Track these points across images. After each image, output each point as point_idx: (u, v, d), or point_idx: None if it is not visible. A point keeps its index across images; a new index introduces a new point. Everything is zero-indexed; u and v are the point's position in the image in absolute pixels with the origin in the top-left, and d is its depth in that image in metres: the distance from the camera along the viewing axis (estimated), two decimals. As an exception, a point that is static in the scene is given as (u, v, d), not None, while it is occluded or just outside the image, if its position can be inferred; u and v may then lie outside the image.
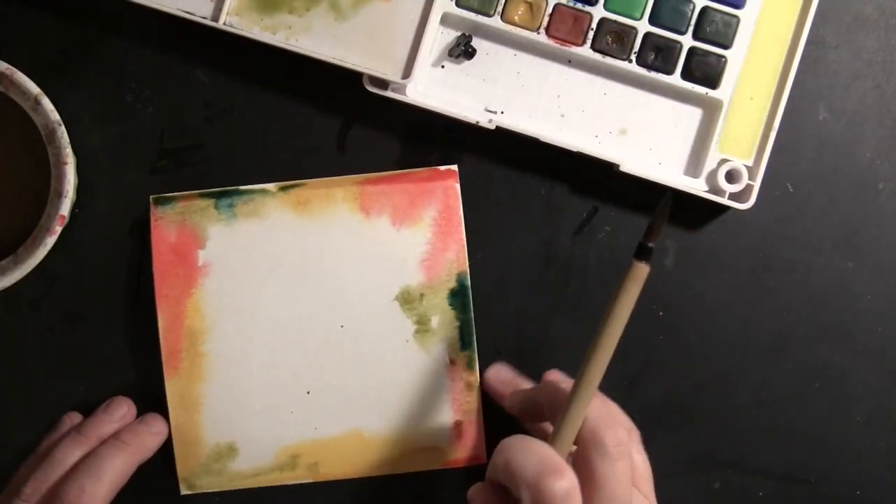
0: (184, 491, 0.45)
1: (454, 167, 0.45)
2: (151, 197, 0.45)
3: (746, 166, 0.44)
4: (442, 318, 0.45)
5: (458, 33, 0.45)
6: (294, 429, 0.45)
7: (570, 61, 0.45)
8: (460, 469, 0.46)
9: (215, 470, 0.45)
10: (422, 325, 0.45)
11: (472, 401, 0.45)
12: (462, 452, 0.45)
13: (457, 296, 0.45)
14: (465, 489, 0.46)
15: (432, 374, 0.45)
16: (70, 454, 0.43)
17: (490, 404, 0.45)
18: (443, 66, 0.45)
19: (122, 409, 0.45)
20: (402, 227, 0.45)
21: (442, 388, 0.45)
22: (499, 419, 0.46)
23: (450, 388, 0.45)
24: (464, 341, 0.45)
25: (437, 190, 0.45)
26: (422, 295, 0.45)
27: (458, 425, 0.45)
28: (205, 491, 0.45)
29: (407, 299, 0.45)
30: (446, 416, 0.45)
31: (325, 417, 0.45)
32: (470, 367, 0.45)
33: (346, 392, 0.45)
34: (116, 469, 0.42)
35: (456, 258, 0.45)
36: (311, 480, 0.45)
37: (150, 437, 0.44)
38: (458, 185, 0.45)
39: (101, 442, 0.43)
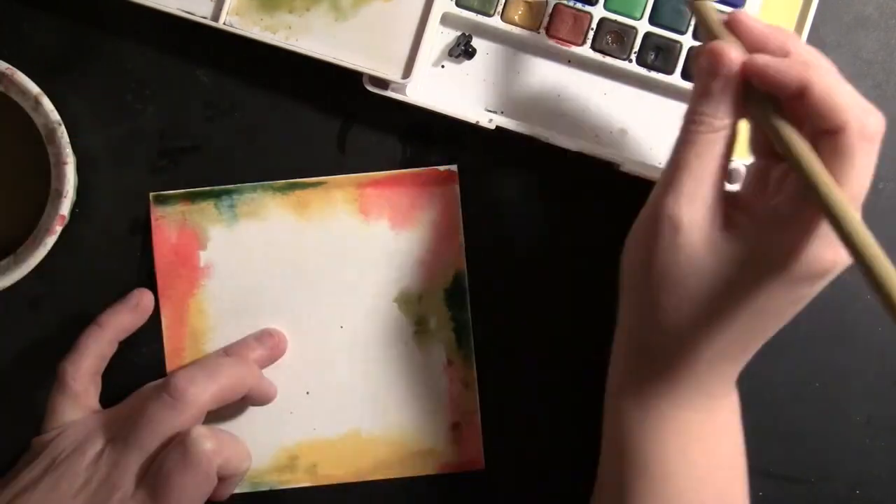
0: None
1: (454, 168, 0.45)
2: (151, 194, 0.45)
3: (746, 166, 0.44)
4: (440, 319, 0.45)
5: (458, 33, 0.45)
6: (293, 429, 0.45)
7: (570, 61, 0.45)
8: (458, 475, 0.45)
9: (214, 471, 0.45)
10: (420, 326, 0.45)
11: (470, 401, 0.45)
12: (460, 454, 0.45)
13: (455, 297, 0.45)
14: (463, 495, 0.46)
15: (431, 375, 0.45)
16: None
17: (488, 406, 0.45)
18: (443, 66, 0.45)
19: (273, 339, 0.45)
20: (401, 230, 0.45)
21: (440, 388, 0.45)
22: (496, 421, 0.46)
23: (448, 388, 0.45)
24: (461, 342, 0.45)
25: (436, 193, 0.45)
26: (420, 296, 0.45)
27: (456, 426, 0.45)
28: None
29: (406, 300, 0.45)
30: (444, 416, 0.45)
31: (324, 418, 0.45)
32: (467, 367, 0.45)
33: (345, 393, 0.45)
34: (231, 378, 0.41)
35: (454, 260, 0.45)
36: (308, 485, 0.45)
37: (270, 387, 0.44)
38: (457, 188, 0.45)
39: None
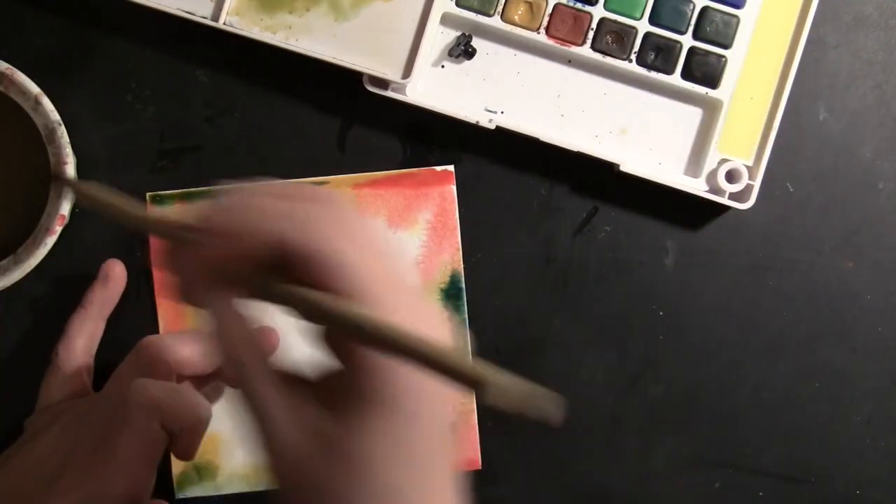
0: (179, 494, 0.45)
1: (451, 168, 0.45)
2: (148, 195, 0.45)
3: (746, 166, 0.44)
4: (437, 319, 0.45)
5: (458, 33, 0.45)
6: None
7: (570, 61, 0.45)
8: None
9: (211, 471, 0.45)
10: (417, 327, 0.45)
11: (466, 402, 0.45)
12: (457, 454, 0.45)
13: (451, 297, 0.45)
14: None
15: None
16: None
17: (485, 406, 0.45)
18: (443, 66, 0.45)
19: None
20: (397, 230, 0.45)
21: (437, 389, 0.45)
22: (494, 421, 0.46)
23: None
24: (457, 342, 0.45)
25: (433, 193, 0.45)
26: (417, 297, 0.45)
27: (452, 426, 0.45)
28: (200, 495, 0.45)
29: (403, 301, 0.45)
30: (441, 417, 0.45)
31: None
32: (465, 367, 0.45)
33: (342, 393, 0.45)
34: (206, 343, 0.39)
35: (451, 260, 0.45)
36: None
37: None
38: (454, 188, 0.45)
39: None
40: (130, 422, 0.36)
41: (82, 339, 0.43)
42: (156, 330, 0.45)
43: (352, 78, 0.44)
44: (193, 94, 0.46)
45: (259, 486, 0.45)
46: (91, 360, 0.44)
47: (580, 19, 0.44)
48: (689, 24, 0.44)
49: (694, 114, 0.45)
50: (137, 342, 0.40)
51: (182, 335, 0.40)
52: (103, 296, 0.44)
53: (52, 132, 0.43)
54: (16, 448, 0.41)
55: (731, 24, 0.44)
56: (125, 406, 0.36)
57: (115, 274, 0.44)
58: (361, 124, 0.46)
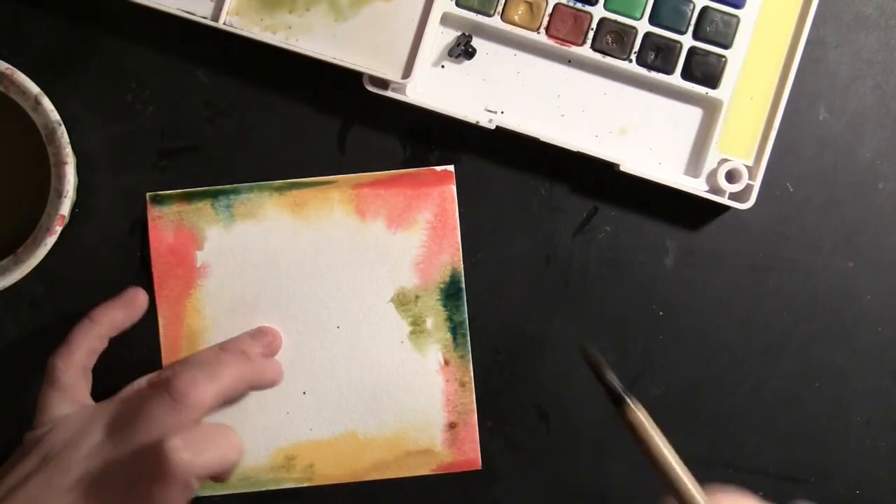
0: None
1: (451, 168, 0.45)
2: (148, 194, 0.45)
3: (746, 166, 0.44)
4: (436, 319, 0.45)
5: (458, 33, 0.45)
6: (290, 429, 0.45)
7: (570, 61, 0.45)
8: (455, 475, 0.45)
9: (210, 471, 0.45)
10: (417, 327, 0.45)
11: (466, 402, 0.45)
12: (456, 454, 0.45)
13: (451, 297, 0.45)
14: (460, 496, 0.46)
15: (427, 375, 0.45)
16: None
17: (485, 406, 0.45)
18: (443, 66, 0.45)
19: (267, 338, 0.45)
20: (397, 230, 0.45)
21: (436, 388, 0.45)
22: (493, 421, 0.46)
23: (444, 388, 0.45)
24: (458, 342, 0.45)
25: (432, 193, 0.45)
26: (417, 296, 0.45)
27: (452, 426, 0.45)
28: (200, 495, 0.45)
29: (402, 301, 0.45)
30: (440, 416, 0.45)
31: (321, 418, 0.45)
32: (464, 367, 0.45)
33: (341, 393, 0.45)
34: (233, 378, 0.41)
35: (451, 260, 0.45)
36: (306, 485, 0.45)
37: (272, 370, 0.44)
38: (454, 188, 0.45)
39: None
40: (172, 480, 0.37)
41: (83, 352, 0.43)
42: (156, 330, 0.45)
43: (352, 78, 0.44)
44: (193, 94, 0.46)
45: (258, 487, 0.45)
46: (89, 372, 0.43)
47: (580, 19, 0.44)
48: (689, 24, 0.44)
49: (694, 114, 0.45)
50: (168, 378, 0.40)
51: (211, 371, 0.41)
52: (117, 318, 0.44)
53: (52, 132, 0.43)
54: (30, 467, 0.40)
55: (731, 24, 0.44)
56: (161, 459, 0.37)
57: (139, 302, 0.44)
58: (361, 124, 0.46)
